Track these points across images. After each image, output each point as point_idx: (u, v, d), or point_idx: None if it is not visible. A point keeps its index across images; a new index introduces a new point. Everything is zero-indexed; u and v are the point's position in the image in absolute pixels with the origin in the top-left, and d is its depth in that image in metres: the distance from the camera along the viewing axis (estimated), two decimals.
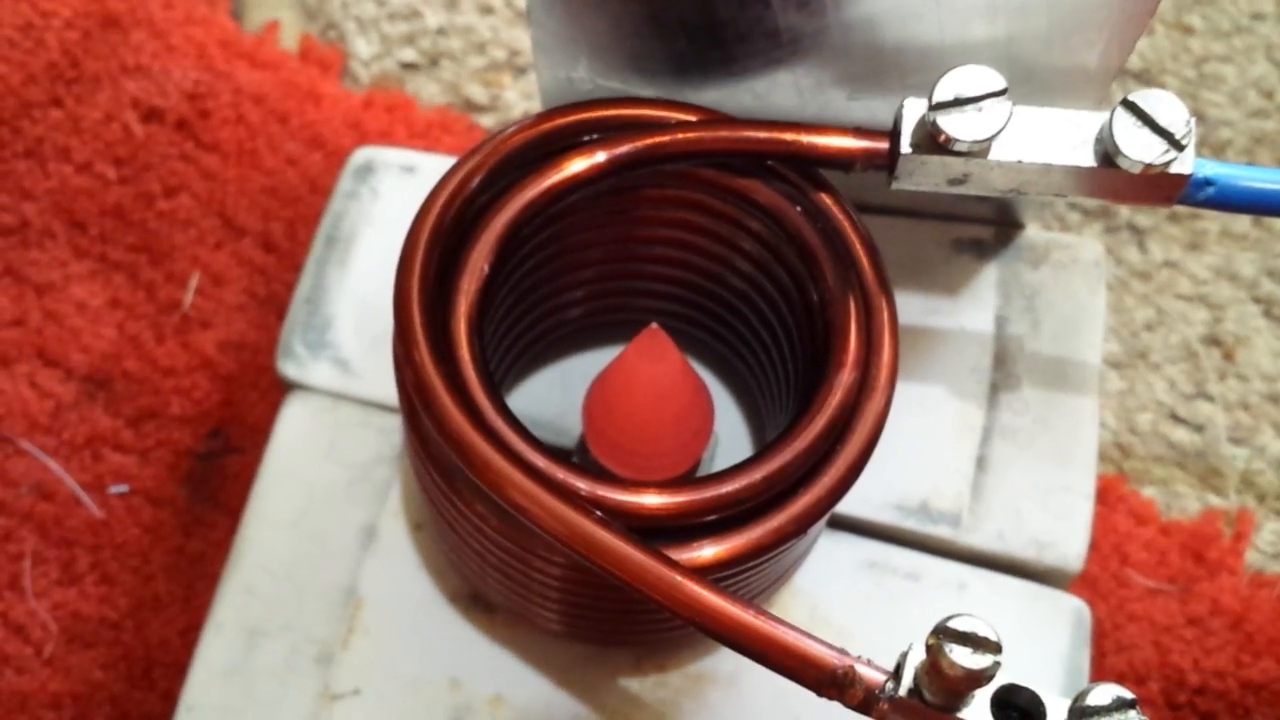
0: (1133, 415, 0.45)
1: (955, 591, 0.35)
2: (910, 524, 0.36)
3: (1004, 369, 0.38)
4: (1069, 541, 0.36)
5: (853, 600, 0.35)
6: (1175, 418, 0.45)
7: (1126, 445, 0.44)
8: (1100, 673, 0.41)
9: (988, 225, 0.39)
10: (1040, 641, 0.35)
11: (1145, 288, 0.47)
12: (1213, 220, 0.47)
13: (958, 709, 0.24)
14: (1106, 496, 0.43)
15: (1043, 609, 0.35)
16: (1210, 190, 0.28)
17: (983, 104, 0.27)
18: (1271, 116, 0.49)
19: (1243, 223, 0.48)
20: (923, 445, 0.36)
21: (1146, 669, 0.41)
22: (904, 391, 0.32)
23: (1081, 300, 0.39)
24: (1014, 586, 0.36)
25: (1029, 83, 0.31)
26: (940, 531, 0.36)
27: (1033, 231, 0.39)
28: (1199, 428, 0.45)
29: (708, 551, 0.27)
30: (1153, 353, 0.46)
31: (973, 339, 0.38)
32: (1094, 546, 0.42)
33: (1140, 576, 0.42)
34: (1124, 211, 0.48)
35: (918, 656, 0.24)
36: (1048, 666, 0.35)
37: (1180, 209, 0.47)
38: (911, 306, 0.38)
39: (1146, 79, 0.49)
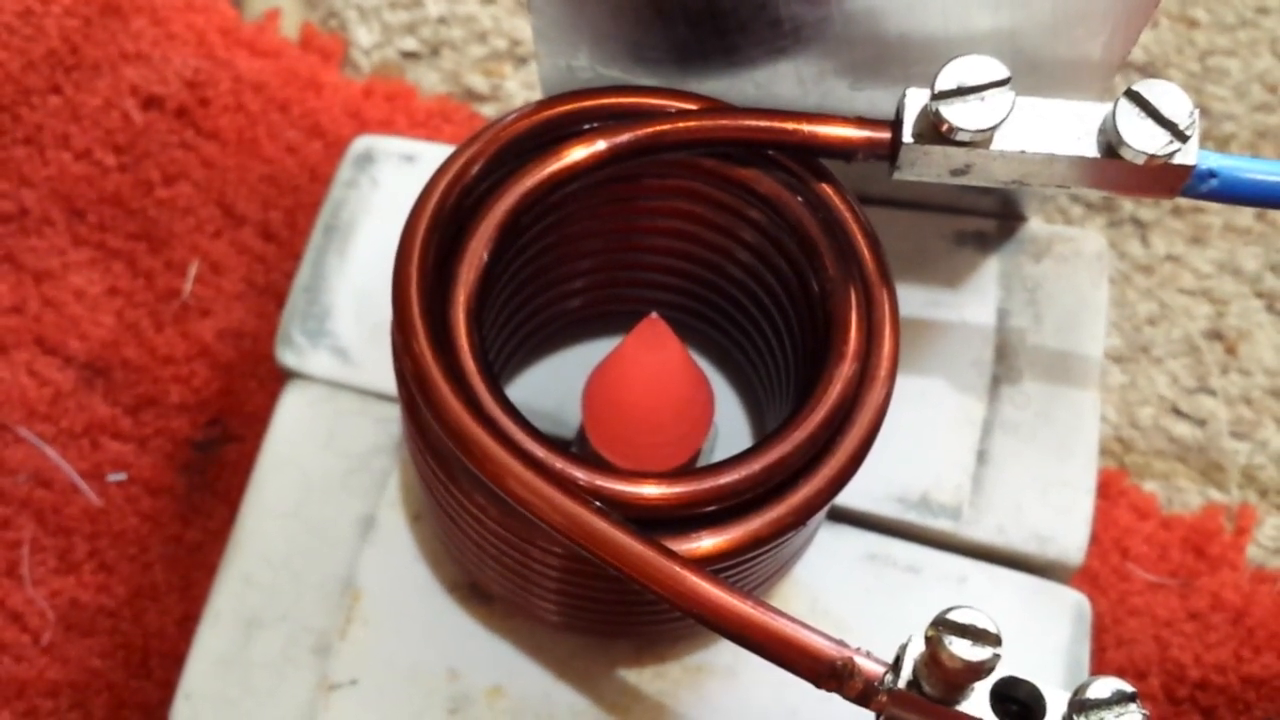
0: (1134, 409, 0.45)
1: (955, 585, 0.35)
2: (911, 517, 0.36)
3: (1005, 362, 0.37)
4: (1070, 535, 0.36)
5: (853, 593, 0.35)
6: (1177, 412, 0.45)
7: (1128, 439, 0.44)
8: (1101, 667, 0.40)
9: (990, 218, 0.39)
10: (1041, 636, 0.35)
11: (1148, 281, 0.46)
12: (1216, 214, 0.47)
13: (957, 701, 0.24)
14: (1108, 490, 0.43)
15: (1043, 603, 0.35)
16: (1214, 182, 0.28)
17: (985, 93, 0.27)
18: (1276, 111, 0.49)
19: (1246, 217, 0.47)
20: (923, 438, 0.36)
21: (1147, 663, 0.41)
22: (905, 384, 0.32)
23: (1084, 293, 0.38)
24: (1014, 580, 0.35)
25: (1032, 75, 0.31)
26: (941, 524, 0.36)
27: (1035, 224, 0.39)
28: (1201, 422, 0.45)
29: (707, 542, 0.27)
30: (1155, 347, 0.45)
31: (974, 332, 0.38)
32: (1095, 540, 0.42)
33: (1141, 571, 0.42)
34: (1127, 205, 0.47)
35: (917, 648, 0.24)
36: (1048, 661, 0.35)
37: (1183, 202, 0.47)
38: (913, 298, 0.38)
39: (1151, 72, 0.49)
